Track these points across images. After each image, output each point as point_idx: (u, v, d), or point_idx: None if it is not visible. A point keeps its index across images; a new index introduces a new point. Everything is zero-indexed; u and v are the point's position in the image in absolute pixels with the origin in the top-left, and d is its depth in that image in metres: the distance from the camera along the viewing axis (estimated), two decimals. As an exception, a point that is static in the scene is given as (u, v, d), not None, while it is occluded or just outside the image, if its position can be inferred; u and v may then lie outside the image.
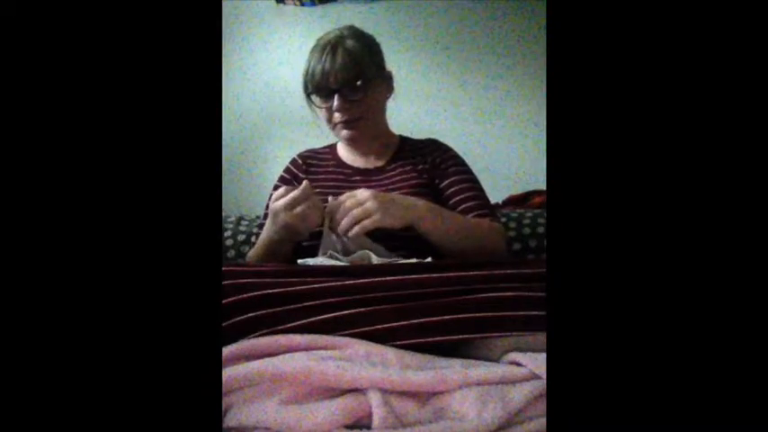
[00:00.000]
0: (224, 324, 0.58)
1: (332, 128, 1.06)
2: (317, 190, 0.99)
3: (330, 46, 0.97)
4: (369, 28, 1.07)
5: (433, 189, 1.05)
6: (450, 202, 1.03)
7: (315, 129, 1.16)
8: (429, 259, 0.79)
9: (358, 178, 1.08)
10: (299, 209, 0.80)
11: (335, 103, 0.98)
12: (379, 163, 1.11)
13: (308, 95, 1.04)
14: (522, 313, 0.61)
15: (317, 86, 0.99)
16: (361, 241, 0.82)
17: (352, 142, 1.08)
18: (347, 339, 0.57)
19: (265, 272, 0.68)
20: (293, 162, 1.16)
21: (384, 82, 1.06)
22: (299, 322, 0.59)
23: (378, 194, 0.81)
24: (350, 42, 0.98)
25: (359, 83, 0.97)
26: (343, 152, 1.15)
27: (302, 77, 1.02)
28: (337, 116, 1.00)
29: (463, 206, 1.02)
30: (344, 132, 1.03)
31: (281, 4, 2.32)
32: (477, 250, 0.89)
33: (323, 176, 1.10)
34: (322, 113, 1.04)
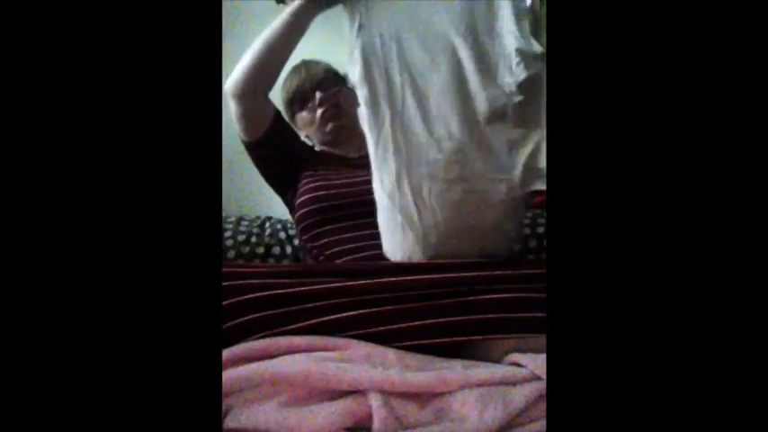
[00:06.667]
0: (224, 326, 0.58)
1: (317, 129, 1.10)
2: (321, 172, 1.02)
3: (298, 65, 1.13)
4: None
5: None
6: None
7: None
8: None
9: (353, 164, 1.07)
10: None
11: (317, 98, 1.08)
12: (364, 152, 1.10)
13: (290, 113, 1.13)
14: (522, 315, 0.62)
15: (297, 94, 1.10)
16: None
17: (337, 134, 1.10)
18: (347, 340, 0.57)
19: (265, 272, 0.68)
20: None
21: (349, 90, 1.12)
22: (299, 324, 0.59)
23: None
24: (312, 61, 1.15)
25: (332, 75, 1.12)
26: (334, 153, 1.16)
27: (282, 103, 1.12)
28: (320, 111, 1.08)
29: None
30: (330, 125, 1.09)
31: (282, 5, 2.31)
32: None
33: (324, 167, 1.09)
34: (306, 120, 1.11)
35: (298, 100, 1.11)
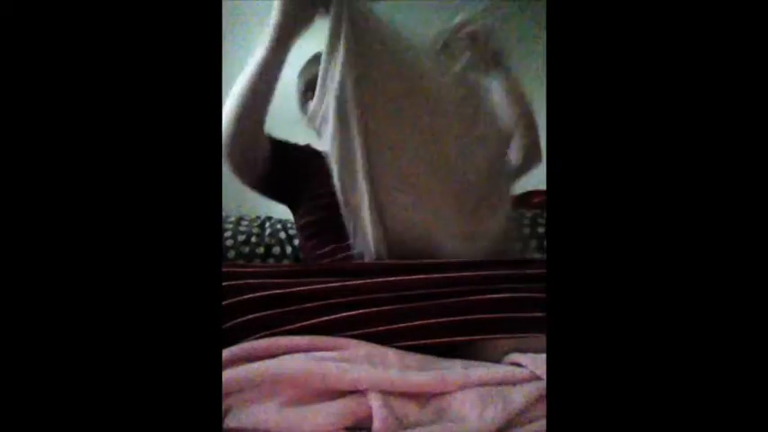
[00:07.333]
0: (224, 326, 0.58)
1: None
2: (326, 178, 1.00)
3: (316, 55, 1.08)
4: (369, 28, 1.09)
5: None
6: None
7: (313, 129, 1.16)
8: None
9: None
10: None
11: None
12: None
13: (303, 100, 1.12)
14: (522, 315, 0.62)
15: (312, 83, 1.07)
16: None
17: None
18: (347, 340, 0.57)
19: (265, 272, 0.68)
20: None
21: None
22: (299, 324, 0.59)
23: None
24: None
25: None
26: None
27: (297, 91, 1.12)
28: None
29: None
30: None
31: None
32: None
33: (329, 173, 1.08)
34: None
35: (312, 88, 1.11)
